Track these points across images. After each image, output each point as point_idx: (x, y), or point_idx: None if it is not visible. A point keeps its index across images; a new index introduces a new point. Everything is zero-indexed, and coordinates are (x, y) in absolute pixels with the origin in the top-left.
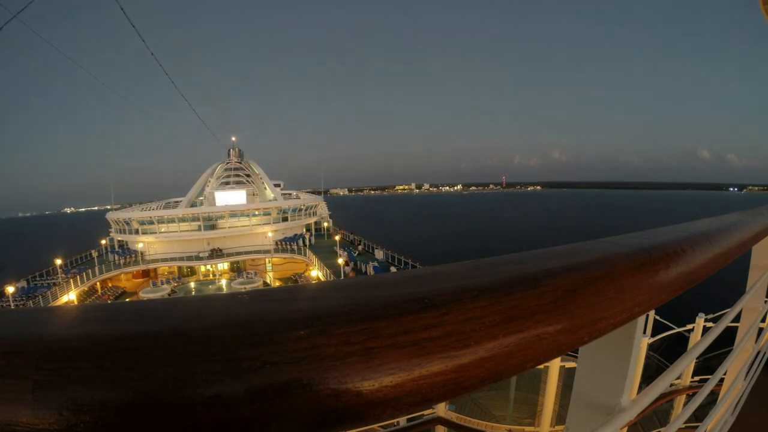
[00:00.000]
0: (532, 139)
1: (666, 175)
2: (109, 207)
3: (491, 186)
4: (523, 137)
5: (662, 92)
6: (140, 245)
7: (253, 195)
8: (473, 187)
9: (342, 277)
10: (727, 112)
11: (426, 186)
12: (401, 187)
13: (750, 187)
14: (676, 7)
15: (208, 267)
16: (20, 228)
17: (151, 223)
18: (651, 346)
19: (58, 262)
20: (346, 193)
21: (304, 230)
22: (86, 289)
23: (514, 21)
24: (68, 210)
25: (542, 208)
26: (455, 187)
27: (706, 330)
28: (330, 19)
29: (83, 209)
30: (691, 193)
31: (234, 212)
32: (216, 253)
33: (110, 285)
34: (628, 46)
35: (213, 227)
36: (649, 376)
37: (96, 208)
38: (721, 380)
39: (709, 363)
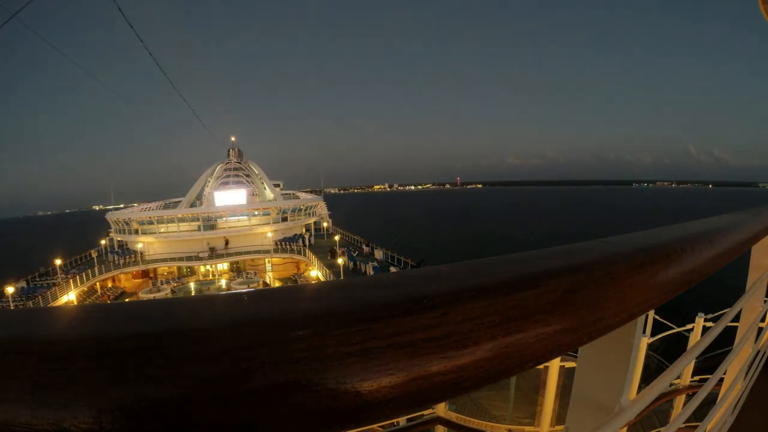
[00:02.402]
0: (487, 145)
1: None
2: (135, 204)
3: (447, 185)
4: (481, 143)
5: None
6: (140, 245)
7: (253, 195)
8: (433, 186)
9: (342, 276)
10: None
11: (396, 185)
12: (378, 187)
13: (659, 182)
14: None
15: (208, 267)
16: (29, 227)
17: (151, 223)
18: (651, 346)
19: (58, 262)
20: (338, 191)
21: (304, 230)
22: (86, 289)
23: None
24: (96, 207)
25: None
26: (418, 186)
27: (705, 330)
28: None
29: (110, 207)
30: (602, 187)
31: (233, 212)
32: (215, 253)
33: (110, 285)
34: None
35: (212, 227)
36: (648, 375)
37: (122, 205)
38: (721, 380)
39: (708, 363)
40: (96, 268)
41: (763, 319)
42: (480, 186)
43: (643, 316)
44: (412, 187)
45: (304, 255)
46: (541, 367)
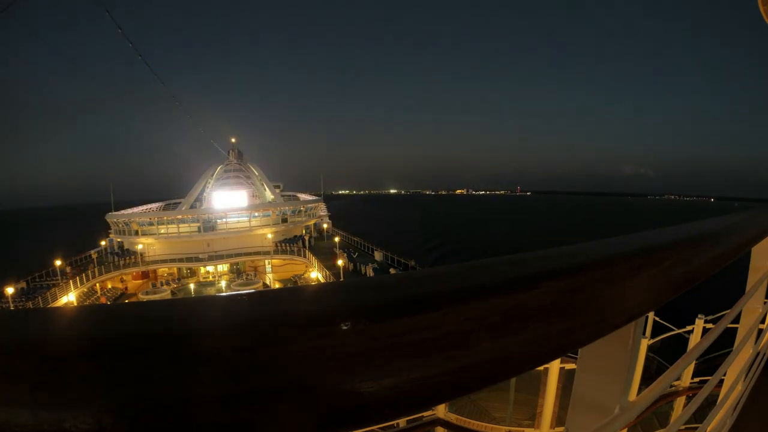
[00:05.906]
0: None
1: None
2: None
3: (509, 191)
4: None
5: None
6: (140, 246)
7: (253, 196)
8: (501, 191)
9: (342, 277)
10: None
11: (471, 191)
12: (459, 191)
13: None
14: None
15: (208, 268)
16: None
17: (151, 224)
18: (651, 348)
19: (58, 263)
20: (430, 193)
21: (304, 232)
22: (86, 290)
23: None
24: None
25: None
26: (487, 191)
27: (705, 331)
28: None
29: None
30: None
31: (233, 213)
32: (215, 255)
33: (110, 286)
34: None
35: (213, 228)
36: (648, 377)
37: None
38: (721, 381)
39: (708, 364)
40: (96, 270)
41: (763, 321)
42: (529, 193)
43: (643, 318)
44: (482, 192)
45: (304, 256)
46: (541, 368)
